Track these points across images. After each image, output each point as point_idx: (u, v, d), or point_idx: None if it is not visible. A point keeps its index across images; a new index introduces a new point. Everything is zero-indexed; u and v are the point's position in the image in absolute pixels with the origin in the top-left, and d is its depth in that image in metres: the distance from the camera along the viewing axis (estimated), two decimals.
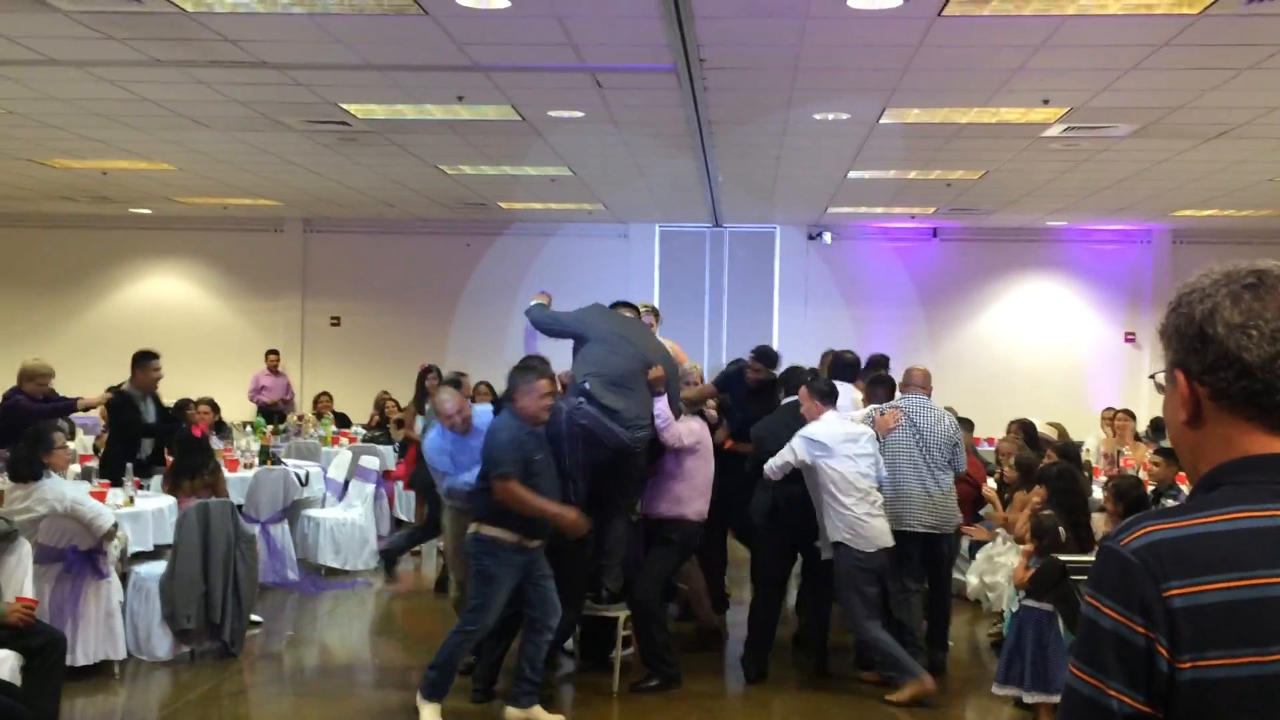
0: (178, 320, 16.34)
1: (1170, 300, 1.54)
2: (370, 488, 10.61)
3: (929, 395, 7.29)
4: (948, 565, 7.36)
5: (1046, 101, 8.35)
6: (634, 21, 6.65)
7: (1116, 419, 11.64)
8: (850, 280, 16.05)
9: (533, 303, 7.05)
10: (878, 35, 6.84)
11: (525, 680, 6.00)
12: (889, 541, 6.63)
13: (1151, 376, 1.68)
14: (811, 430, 6.71)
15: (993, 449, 9.91)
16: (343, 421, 13.87)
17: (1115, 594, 1.40)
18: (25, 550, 5.81)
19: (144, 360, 8.87)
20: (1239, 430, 1.47)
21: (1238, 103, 8.18)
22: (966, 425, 9.69)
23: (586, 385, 6.33)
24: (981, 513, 9.02)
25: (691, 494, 6.82)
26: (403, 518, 11.90)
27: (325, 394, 14.31)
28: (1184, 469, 1.59)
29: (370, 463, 10.89)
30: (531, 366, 6.05)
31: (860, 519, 6.54)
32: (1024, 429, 9.29)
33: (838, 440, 6.63)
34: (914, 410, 7.09)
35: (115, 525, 6.62)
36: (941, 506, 6.99)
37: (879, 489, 6.76)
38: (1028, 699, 5.90)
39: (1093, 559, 1.55)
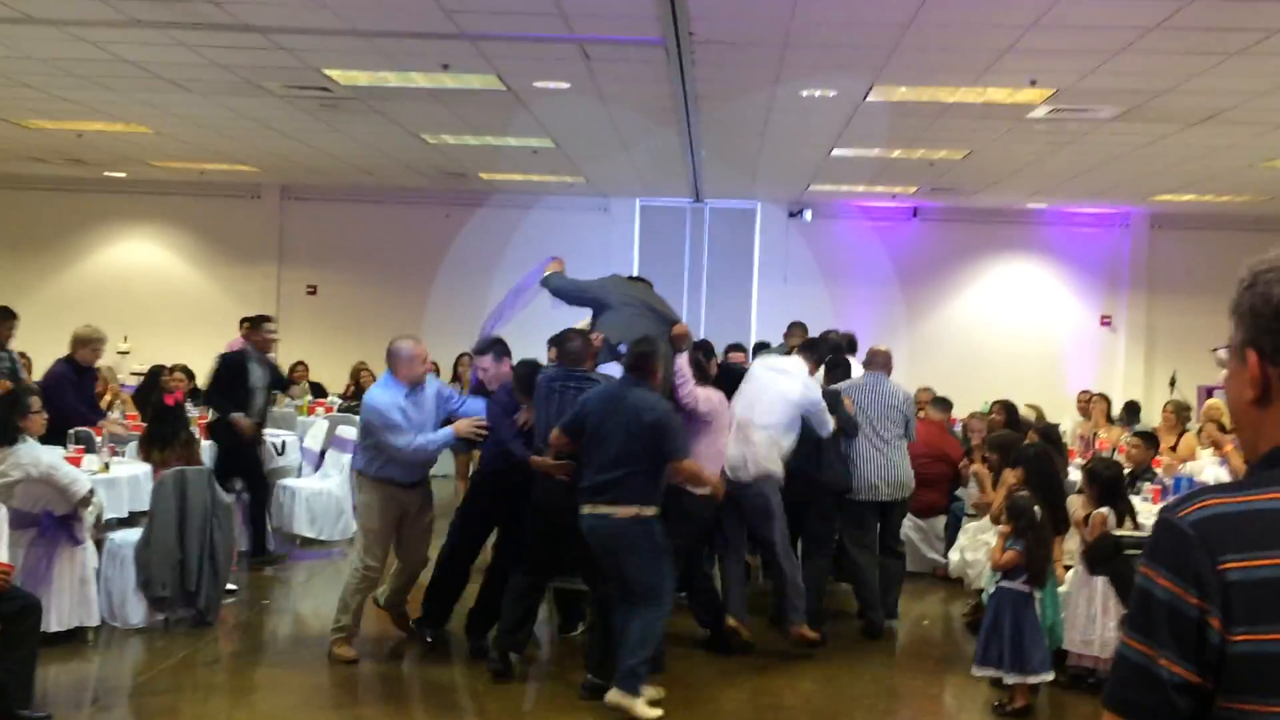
0: (152, 286, 16.18)
1: (1242, 276, 1.51)
2: (346, 457, 10.49)
3: (889, 374, 7.83)
4: (897, 528, 7.89)
5: (1034, 82, 8.33)
6: None
7: (1091, 402, 11.71)
8: (830, 258, 16.05)
9: (548, 272, 7.10)
10: (869, 12, 6.81)
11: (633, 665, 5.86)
12: (735, 475, 6.87)
13: (1214, 350, 1.67)
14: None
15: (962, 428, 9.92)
16: (318, 391, 13.78)
17: (1170, 565, 1.40)
18: (1, 516, 5.74)
19: (258, 323, 9.43)
20: None
21: (1224, 87, 8.19)
22: (944, 405, 9.73)
23: (622, 348, 6.44)
24: (958, 492, 9.06)
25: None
26: None
27: (301, 363, 14.20)
28: (1242, 445, 1.57)
29: (346, 432, 10.77)
30: (652, 340, 6.21)
31: (728, 453, 6.90)
32: (1006, 410, 9.34)
33: (749, 390, 7.07)
34: (868, 386, 7.67)
35: (91, 491, 6.57)
36: (896, 475, 7.53)
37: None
38: (1007, 680, 5.93)
39: (1145, 534, 1.55)
